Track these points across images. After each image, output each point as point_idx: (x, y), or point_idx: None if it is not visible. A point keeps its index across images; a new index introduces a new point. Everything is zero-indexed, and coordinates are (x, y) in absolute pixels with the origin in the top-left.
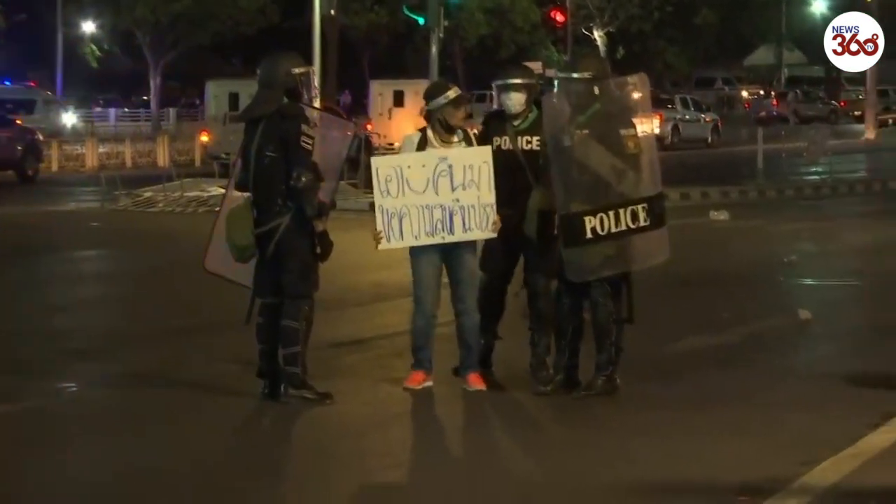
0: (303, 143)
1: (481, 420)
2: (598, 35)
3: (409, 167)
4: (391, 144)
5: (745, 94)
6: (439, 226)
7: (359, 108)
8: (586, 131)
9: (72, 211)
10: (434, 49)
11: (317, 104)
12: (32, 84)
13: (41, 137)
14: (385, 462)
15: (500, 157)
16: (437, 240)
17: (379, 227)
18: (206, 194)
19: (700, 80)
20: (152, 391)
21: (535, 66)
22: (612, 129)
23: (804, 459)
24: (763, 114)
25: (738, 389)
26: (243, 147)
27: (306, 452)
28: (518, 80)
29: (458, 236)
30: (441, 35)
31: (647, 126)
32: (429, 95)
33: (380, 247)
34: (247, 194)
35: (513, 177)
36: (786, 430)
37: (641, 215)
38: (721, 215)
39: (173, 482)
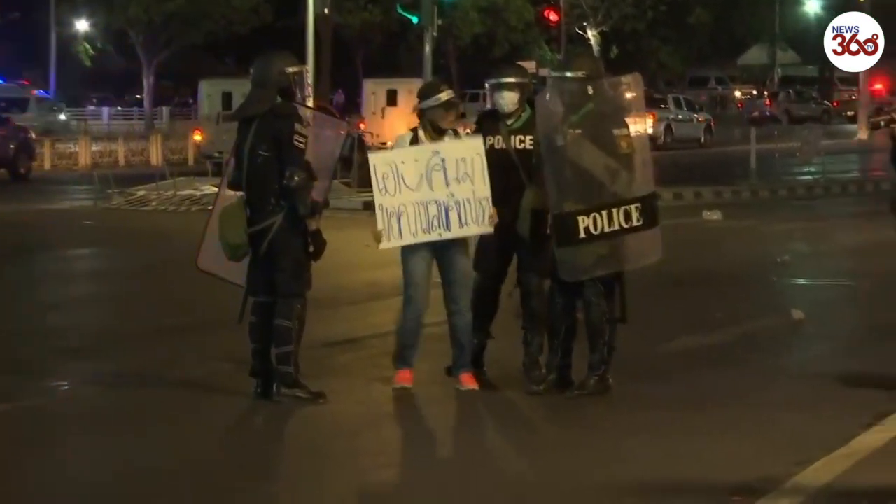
0: (296, 142)
1: (474, 420)
2: (591, 34)
3: (402, 162)
4: (384, 143)
5: (738, 93)
6: (435, 222)
7: (352, 107)
8: (579, 131)
9: (65, 209)
10: (428, 48)
11: (310, 103)
12: (25, 83)
13: (34, 136)
14: (378, 461)
15: (493, 157)
16: (434, 237)
17: (380, 225)
18: (199, 193)
19: (693, 79)
20: (145, 390)
21: (529, 66)
22: (605, 128)
23: (797, 459)
24: (756, 114)
25: (731, 389)
26: (236, 146)
27: (299, 452)
28: (511, 79)
29: (455, 232)
30: (435, 34)
31: (640, 126)
32: (422, 95)
33: (381, 246)
34: (240, 193)
35: (506, 176)
36: (779, 430)
37: (634, 215)
38: (714, 215)
39: (166, 481)
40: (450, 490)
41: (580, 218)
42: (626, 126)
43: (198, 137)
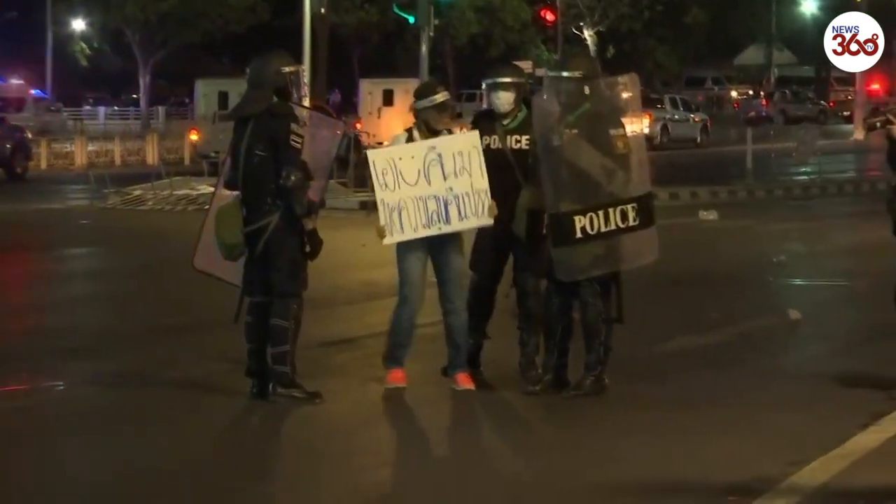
0: (292, 142)
1: (470, 420)
2: (588, 34)
3: (400, 159)
4: (380, 143)
5: (734, 94)
6: (435, 217)
7: (348, 107)
8: (576, 131)
9: (61, 209)
10: (424, 48)
11: (306, 103)
12: (22, 82)
13: (30, 135)
14: (374, 461)
15: (489, 157)
16: (434, 231)
17: (382, 221)
18: (195, 193)
19: (690, 79)
20: (141, 390)
21: (526, 66)
22: (601, 128)
23: (793, 459)
24: (752, 114)
25: (727, 389)
26: (233, 146)
27: (295, 451)
28: (507, 79)
29: (455, 225)
30: (431, 34)
31: (637, 126)
32: (418, 94)
33: (384, 241)
34: (236, 192)
35: (502, 176)
36: (775, 430)
37: (631, 215)
38: (710, 215)
39: (163, 481)
40: (446, 490)
41: (577, 218)
42: (623, 126)
43: (194, 137)
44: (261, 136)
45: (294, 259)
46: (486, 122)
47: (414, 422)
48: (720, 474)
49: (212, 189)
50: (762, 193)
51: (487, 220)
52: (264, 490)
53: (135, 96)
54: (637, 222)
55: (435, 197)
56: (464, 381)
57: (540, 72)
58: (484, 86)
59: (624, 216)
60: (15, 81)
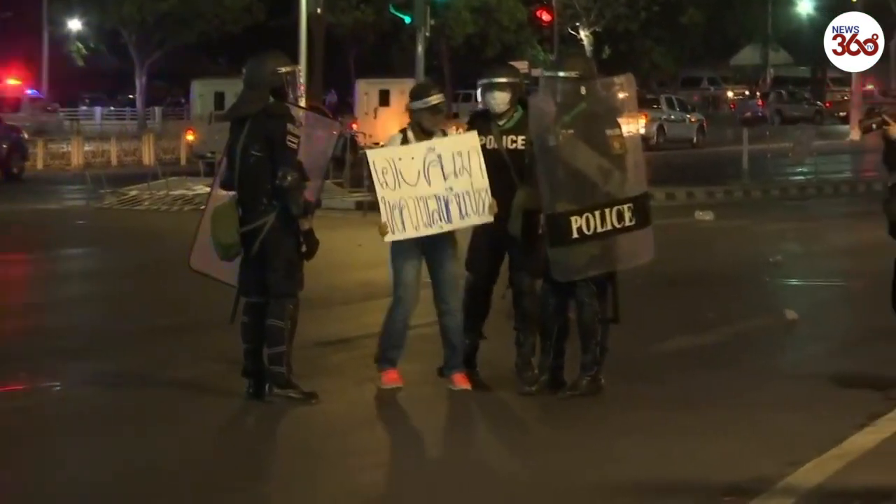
0: (288, 143)
1: (467, 420)
2: (584, 34)
3: (399, 159)
4: (377, 144)
5: (730, 94)
6: (436, 216)
7: (344, 107)
8: (572, 131)
9: (58, 209)
10: (420, 48)
11: (302, 103)
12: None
13: (26, 135)
14: (371, 461)
15: (484, 157)
16: (436, 229)
17: (384, 218)
18: (191, 193)
19: (686, 80)
20: (138, 390)
21: (522, 66)
22: (597, 129)
23: (789, 460)
24: (748, 114)
25: (723, 389)
26: (229, 146)
27: (291, 452)
28: (502, 79)
29: (457, 224)
30: (427, 34)
31: (633, 126)
32: (412, 95)
33: (386, 238)
34: (232, 193)
35: (497, 176)
36: (771, 431)
37: (627, 215)
38: (706, 215)
39: (159, 481)
40: (442, 490)
41: (573, 218)
42: (619, 126)
43: (190, 137)
44: (257, 137)
45: (290, 259)
46: (481, 122)
47: (410, 422)
48: (717, 474)
49: (208, 189)
50: (758, 194)
51: (488, 218)
52: (261, 490)
53: (131, 96)
54: (633, 222)
55: (436, 196)
56: (460, 382)
57: (536, 72)
58: (479, 86)
59: (620, 216)
60: (11, 81)
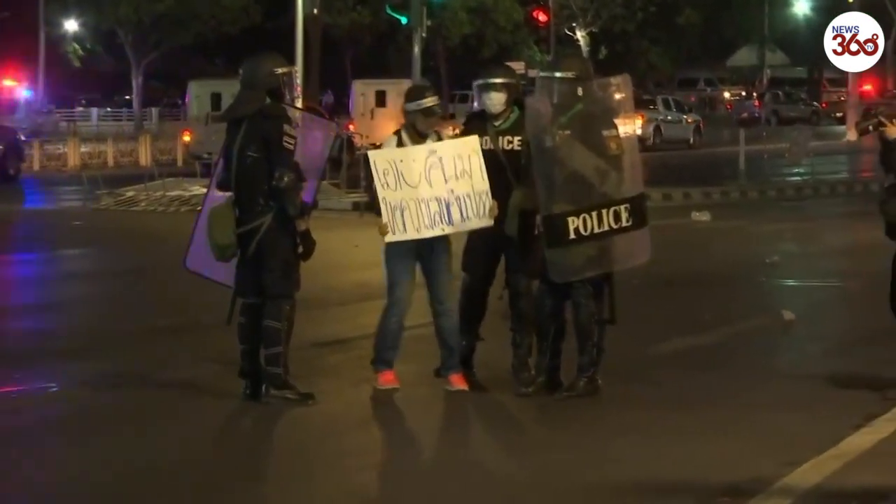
0: (285, 144)
1: (463, 421)
2: (580, 35)
3: (401, 161)
4: (374, 144)
5: (727, 95)
6: (437, 218)
7: (341, 108)
8: (568, 132)
9: (54, 210)
10: (417, 49)
11: (299, 104)
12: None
13: (23, 137)
14: (368, 462)
15: None
16: (437, 231)
17: (385, 219)
18: (188, 194)
19: (683, 80)
20: (134, 391)
21: (518, 66)
22: (594, 129)
23: (787, 460)
24: (745, 115)
25: (720, 390)
26: (225, 147)
27: (288, 453)
28: (498, 80)
29: (457, 226)
30: (424, 34)
31: (629, 127)
32: (407, 97)
33: (386, 239)
34: (229, 193)
35: (494, 177)
36: (768, 431)
37: (624, 216)
38: (703, 216)
39: (155, 482)
40: (439, 491)
41: (570, 219)
42: (616, 127)
43: (187, 138)
44: (253, 138)
45: (286, 260)
46: (477, 123)
47: (407, 423)
48: (714, 475)
49: (204, 190)
50: (755, 194)
51: (489, 221)
52: (258, 491)
53: (128, 97)
54: (630, 223)
55: (437, 198)
56: (457, 382)
57: (533, 72)
58: (475, 87)
59: (617, 217)
60: (7, 83)
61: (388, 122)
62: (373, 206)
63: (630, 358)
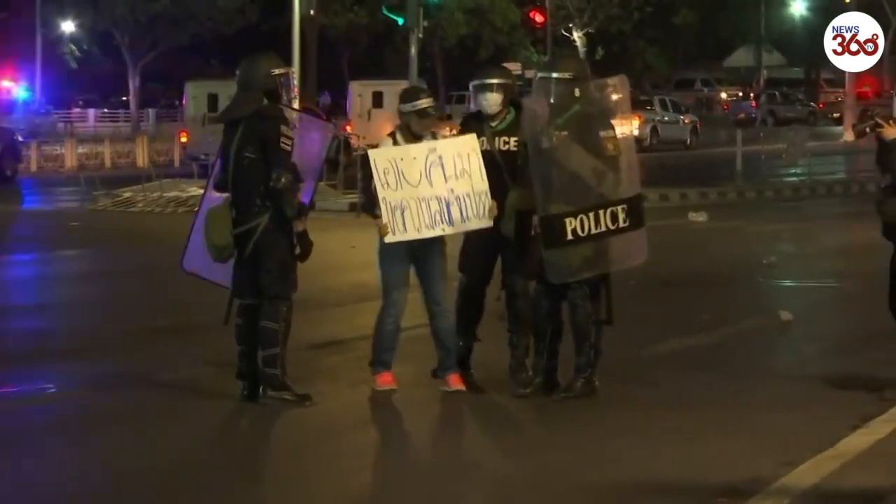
0: (282, 145)
1: (461, 422)
2: (577, 36)
3: (401, 160)
4: (371, 145)
5: (723, 95)
6: (438, 217)
7: (338, 109)
8: (566, 133)
9: (51, 211)
10: (413, 49)
11: (296, 105)
12: (11, 84)
13: (20, 138)
14: (365, 463)
15: None
16: (437, 231)
17: (385, 219)
18: (185, 195)
19: (679, 81)
20: (131, 392)
21: (515, 67)
22: (591, 130)
23: (784, 461)
24: (742, 115)
25: (718, 391)
26: (222, 148)
27: (286, 454)
28: (494, 81)
29: (458, 227)
30: (420, 35)
31: (626, 128)
32: (402, 98)
33: (387, 239)
34: (226, 194)
35: (490, 177)
36: (766, 432)
37: (621, 216)
38: (700, 216)
39: (153, 483)
40: (436, 491)
41: (567, 220)
42: (613, 128)
43: (184, 139)
44: (250, 139)
45: (283, 261)
46: (474, 123)
47: (404, 424)
48: (711, 475)
49: (201, 191)
50: (752, 195)
51: (488, 222)
52: (255, 491)
53: (125, 98)
54: (627, 224)
55: (437, 198)
56: (455, 382)
57: (529, 73)
58: (471, 87)
59: (614, 218)
60: (5, 83)
61: (385, 123)
62: (368, 207)
63: (627, 358)
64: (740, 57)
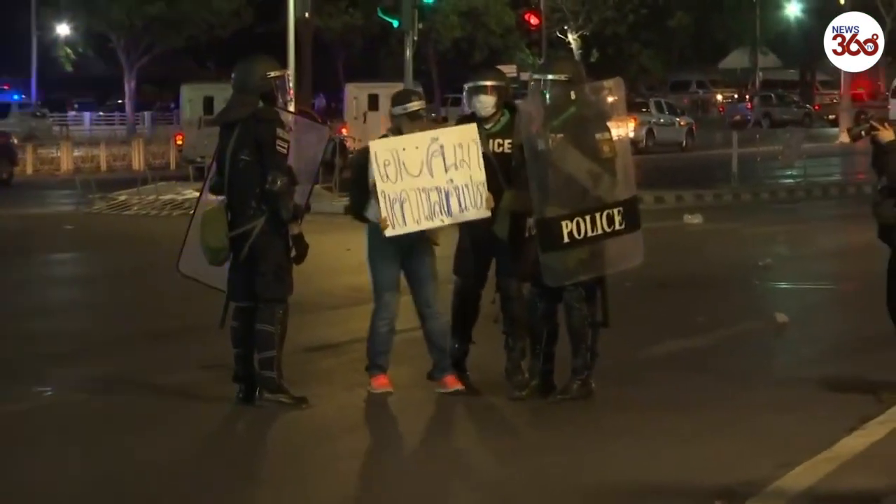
0: (278, 147)
1: (457, 424)
2: (572, 38)
3: (403, 149)
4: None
5: (719, 97)
6: (437, 208)
7: (334, 112)
8: (562, 135)
9: (47, 214)
10: (408, 52)
11: (291, 108)
12: (6, 87)
13: (16, 141)
14: (361, 465)
15: None
16: (437, 223)
17: (383, 213)
18: (180, 197)
19: (675, 83)
20: (128, 395)
21: (509, 70)
22: (587, 133)
23: (780, 462)
24: (737, 117)
25: (714, 392)
26: (218, 151)
27: (282, 457)
28: (488, 83)
29: (456, 217)
30: (415, 38)
31: (622, 130)
32: (393, 101)
33: (387, 233)
34: (221, 197)
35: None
36: (762, 433)
37: (617, 219)
38: (695, 219)
39: (149, 486)
40: (433, 494)
41: (564, 223)
42: (608, 130)
43: (179, 142)
44: (246, 141)
45: (279, 263)
46: None
47: (400, 426)
48: (707, 477)
49: (197, 194)
50: (748, 197)
51: (485, 213)
52: (251, 494)
53: (120, 101)
54: (623, 226)
55: (437, 188)
56: (452, 383)
57: (524, 76)
58: (465, 90)
59: (610, 220)
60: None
61: (380, 126)
62: (354, 210)
63: (623, 360)
64: (735, 59)
